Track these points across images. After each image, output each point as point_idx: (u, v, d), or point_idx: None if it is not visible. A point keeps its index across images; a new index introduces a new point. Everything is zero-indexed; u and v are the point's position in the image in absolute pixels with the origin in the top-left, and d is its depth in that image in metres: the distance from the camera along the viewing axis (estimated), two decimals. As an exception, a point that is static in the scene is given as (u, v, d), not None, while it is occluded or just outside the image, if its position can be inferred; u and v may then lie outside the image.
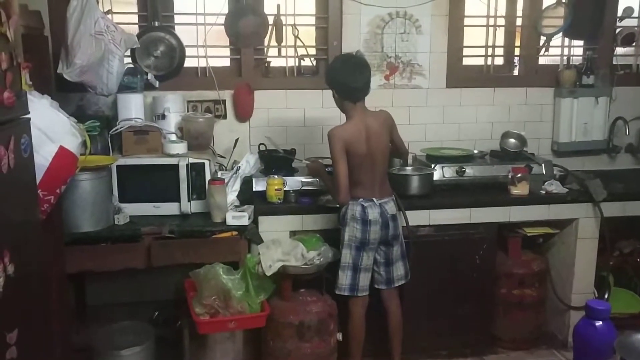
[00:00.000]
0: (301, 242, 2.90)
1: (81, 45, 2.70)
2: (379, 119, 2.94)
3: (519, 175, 3.36)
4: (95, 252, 2.88)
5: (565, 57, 3.97)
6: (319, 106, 3.71)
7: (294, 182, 3.26)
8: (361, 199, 2.86)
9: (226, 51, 3.70)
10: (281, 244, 2.84)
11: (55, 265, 2.66)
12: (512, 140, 3.68)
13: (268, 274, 2.72)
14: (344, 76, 2.82)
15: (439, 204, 3.28)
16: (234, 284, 2.64)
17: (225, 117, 3.65)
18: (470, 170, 3.43)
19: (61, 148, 2.15)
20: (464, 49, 3.90)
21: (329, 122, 3.65)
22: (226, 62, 3.72)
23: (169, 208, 3.15)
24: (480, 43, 3.94)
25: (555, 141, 3.96)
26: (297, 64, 3.72)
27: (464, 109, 3.89)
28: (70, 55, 2.73)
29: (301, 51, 3.72)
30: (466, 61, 3.95)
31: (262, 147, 3.51)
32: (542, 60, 4.01)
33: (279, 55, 3.73)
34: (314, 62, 3.78)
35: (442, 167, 3.40)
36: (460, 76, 3.87)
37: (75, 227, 2.88)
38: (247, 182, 3.30)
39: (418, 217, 3.22)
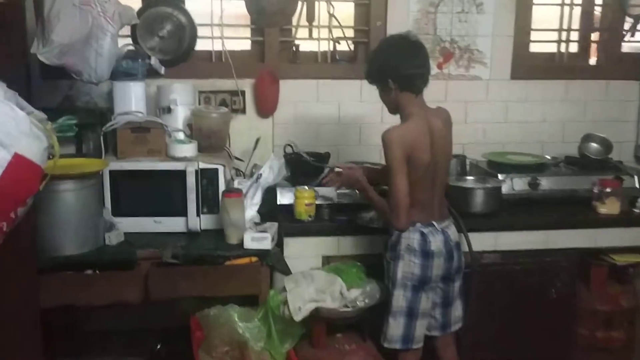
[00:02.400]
0: (338, 274, 2.28)
1: (60, 18, 2.09)
2: (441, 117, 2.31)
3: (608, 189, 2.70)
4: (78, 281, 2.28)
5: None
6: (357, 99, 3.08)
7: (328, 194, 2.63)
8: (419, 224, 2.23)
9: (246, 31, 3.07)
10: (314, 279, 2.22)
11: (26, 301, 2.07)
12: (594, 145, 3.02)
13: (297, 319, 2.11)
14: (402, 59, 2.19)
15: (508, 225, 2.63)
16: (252, 334, 2.03)
17: (244, 111, 3.03)
18: (545, 182, 2.77)
19: (16, 156, 1.54)
20: (531, 32, 3.22)
21: (368, 119, 3.03)
22: (246, 45, 3.10)
23: (173, 224, 2.55)
24: (551, 25, 3.27)
25: (640, 145, 3.29)
26: (331, 49, 3.08)
27: (531, 106, 3.22)
28: (46, 30, 2.12)
29: (337, 33, 3.08)
30: (533, 47, 3.28)
31: (289, 149, 2.88)
32: (625, 48, 3.32)
33: (310, 37, 3.09)
34: (352, 46, 3.13)
35: (512, 178, 2.75)
36: (528, 65, 3.21)
37: (54, 249, 2.28)
38: (269, 192, 2.68)
39: (482, 241, 2.58)
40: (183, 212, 2.53)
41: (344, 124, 3.10)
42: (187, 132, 2.72)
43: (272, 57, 3.01)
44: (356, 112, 3.09)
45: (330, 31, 3.06)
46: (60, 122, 2.37)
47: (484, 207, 2.61)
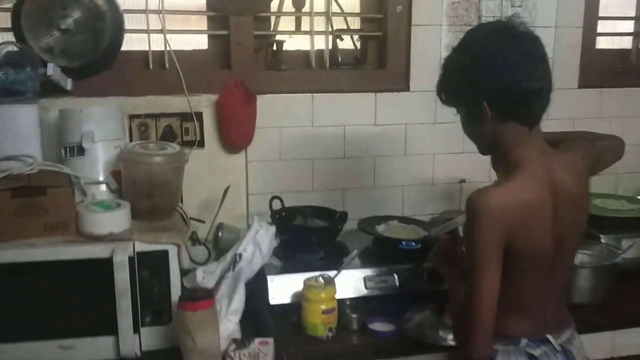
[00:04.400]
0: None
1: None
2: (574, 167, 1.36)
3: None
4: None
5: None
6: (370, 121, 2.09)
7: (352, 281, 1.63)
8: (525, 340, 1.31)
9: (201, 21, 2.02)
10: None
11: None
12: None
13: None
14: (509, 68, 1.22)
15: (628, 316, 1.71)
16: None
17: (201, 144, 1.98)
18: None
19: None
20: (599, 21, 2.33)
21: (387, 149, 2.06)
22: (202, 44, 2.05)
23: (93, 348, 1.50)
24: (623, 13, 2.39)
25: None
26: (329, 46, 2.07)
27: (607, 123, 2.33)
28: None
29: (338, 23, 2.08)
30: (601, 43, 2.38)
31: (276, 204, 1.86)
32: None
33: (298, 30, 2.08)
34: (359, 43, 2.14)
35: (620, 239, 1.83)
36: (599, 67, 2.31)
37: None
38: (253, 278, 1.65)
39: (595, 345, 1.64)
40: (110, 329, 1.48)
41: (352, 158, 2.11)
42: (112, 186, 1.66)
43: (243, 60, 1.97)
44: (369, 139, 2.10)
45: (328, 21, 2.05)
46: None
47: (594, 293, 1.68)
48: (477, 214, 1.20)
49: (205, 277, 1.61)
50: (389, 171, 2.13)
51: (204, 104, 1.95)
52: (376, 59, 2.13)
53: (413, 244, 1.83)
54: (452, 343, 1.47)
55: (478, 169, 2.20)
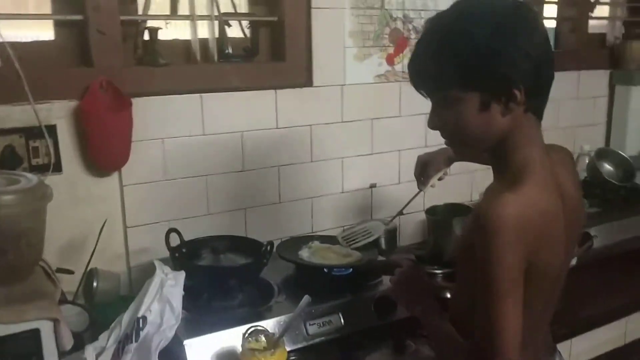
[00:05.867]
0: None
1: None
2: (567, 163, 1.16)
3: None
4: None
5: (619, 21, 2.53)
6: (272, 124, 1.74)
7: (289, 330, 1.27)
8: None
9: (45, 3, 1.50)
10: None
11: None
12: (607, 167, 2.13)
13: None
14: (539, 45, 0.97)
15: (581, 323, 1.58)
16: None
17: (58, 168, 1.47)
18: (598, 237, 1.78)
19: None
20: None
21: (294, 156, 1.76)
22: (48, 34, 1.52)
23: None
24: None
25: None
26: (215, 35, 1.67)
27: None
28: None
29: (224, 6, 1.69)
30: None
31: (174, 237, 1.43)
32: (592, 25, 2.50)
33: (175, 14, 1.65)
34: (249, 31, 1.77)
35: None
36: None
37: None
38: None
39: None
40: None
41: (254, 170, 1.73)
42: None
43: (108, 54, 1.49)
44: (271, 146, 1.74)
45: (213, 2, 1.65)
46: None
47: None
48: (496, 231, 0.92)
49: (97, 356, 1.15)
50: (295, 182, 1.80)
51: (57, 113, 1.45)
52: (269, 50, 1.78)
53: (343, 269, 1.53)
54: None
55: (387, 171, 1.98)
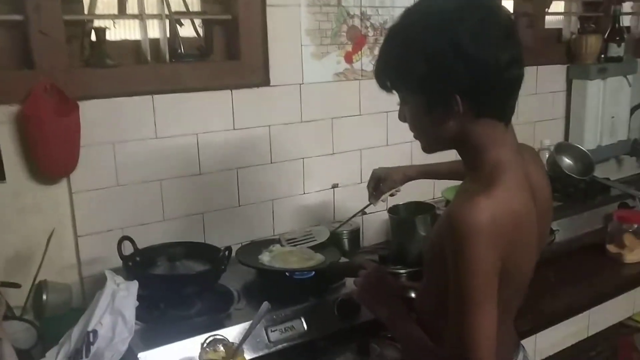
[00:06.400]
0: None
1: None
2: (538, 162, 1.16)
3: (635, 226, 1.84)
4: None
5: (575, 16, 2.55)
6: (229, 125, 1.69)
7: (249, 337, 1.22)
8: None
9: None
10: None
11: None
12: (567, 161, 2.13)
13: None
14: (498, 48, 0.94)
15: (544, 318, 1.58)
16: None
17: (1, 177, 1.40)
18: (560, 230, 1.79)
19: None
20: None
21: (252, 161, 1.71)
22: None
23: None
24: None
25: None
26: (167, 34, 1.61)
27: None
28: None
29: (174, 5, 1.63)
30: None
31: (128, 245, 1.36)
32: (548, 20, 2.52)
33: (123, 13, 1.58)
34: (202, 30, 1.71)
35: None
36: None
37: None
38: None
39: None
40: None
41: (211, 174, 1.68)
42: None
43: (52, 56, 1.41)
44: (228, 148, 1.69)
45: (164, 2, 1.59)
46: None
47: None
48: (471, 236, 0.90)
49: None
50: (255, 185, 1.75)
51: (-2, 119, 1.37)
52: (225, 49, 1.73)
53: (305, 273, 1.49)
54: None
55: (350, 170, 1.95)
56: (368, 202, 1.64)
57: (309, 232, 1.71)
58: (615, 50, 2.46)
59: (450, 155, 1.14)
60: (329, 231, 1.70)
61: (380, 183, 1.57)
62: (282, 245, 1.62)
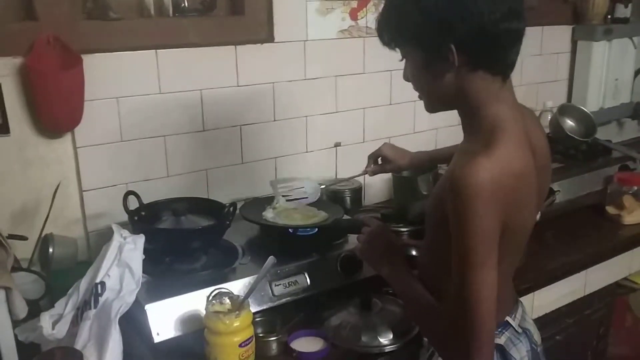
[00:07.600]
0: None
1: None
2: (537, 120, 1.16)
3: (635, 188, 1.85)
4: None
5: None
6: (232, 82, 1.68)
7: (255, 290, 1.24)
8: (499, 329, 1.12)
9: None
10: None
11: None
12: (569, 122, 2.13)
13: None
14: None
15: (543, 277, 1.60)
16: None
17: (5, 129, 1.39)
18: (561, 191, 1.80)
19: None
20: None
21: (256, 118, 1.71)
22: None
23: None
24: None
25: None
26: (169, -12, 1.59)
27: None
28: None
29: (178, -44, 1.60)
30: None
31: (133, 200, 1.37)
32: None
33: (125, -35, 1.56)
34: (205, -16, 1.68)
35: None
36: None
37: None
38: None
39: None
40: None
41: (215, 130, 1.68)
42: None
43: (54, 7, 1.40)
44: (232, 104, 1.69)
45: (166, -48, 1.56)
46: None
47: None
48: (471, 197, 0.91)
49: (54, 324, 1.11)
50: (258, 142, 1.76)
51: (1, 71, 1.36)
52: (229, 4, 1.70)
53: (309, 229, 1.50)
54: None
55: (352, 128, 1.95)
56: (364, 171, 1.56)
57: (303, 190, 1.66)
58: (622, 11, 2.43)
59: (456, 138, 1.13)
60: (320, 188, 1.65)
61: (384, 163, 1.54)
62: (273, 190, 1.59)
